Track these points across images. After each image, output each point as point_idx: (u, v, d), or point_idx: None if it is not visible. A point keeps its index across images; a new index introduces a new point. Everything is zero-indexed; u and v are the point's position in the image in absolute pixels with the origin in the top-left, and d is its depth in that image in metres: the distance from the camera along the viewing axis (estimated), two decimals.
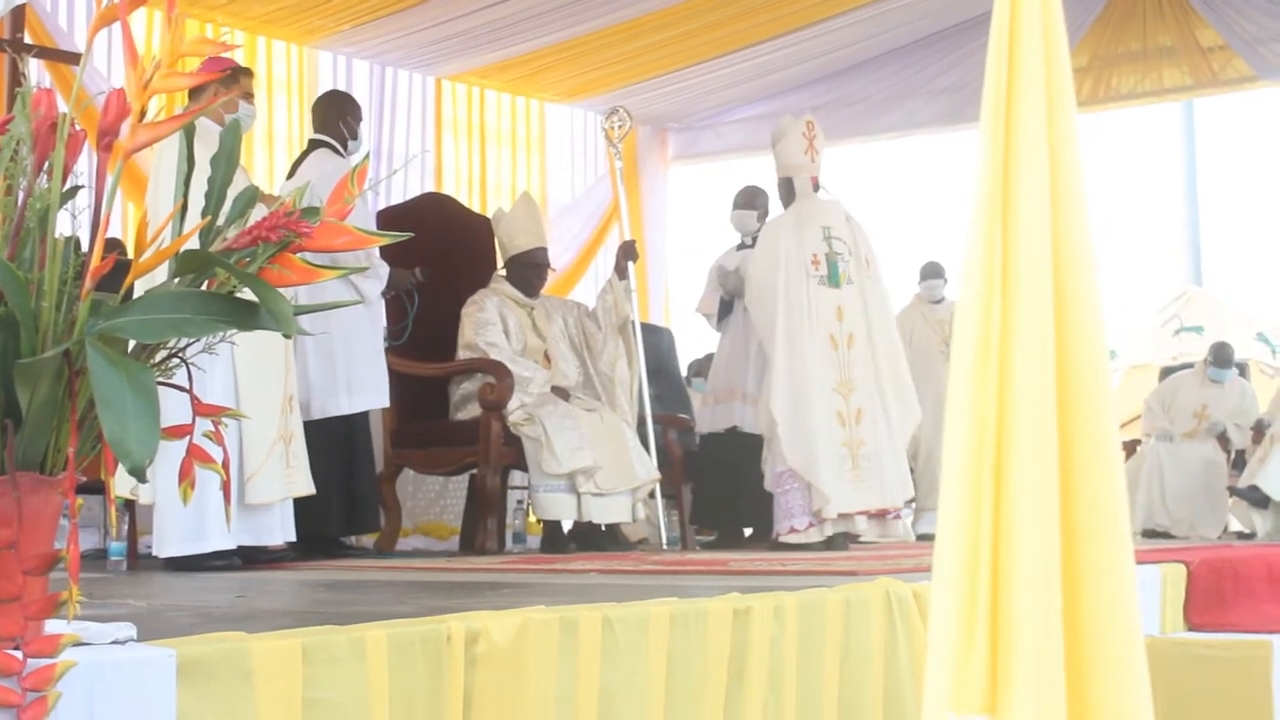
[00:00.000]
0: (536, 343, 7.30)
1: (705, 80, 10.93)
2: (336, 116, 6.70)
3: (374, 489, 6.77)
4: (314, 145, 6.73)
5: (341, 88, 9.59)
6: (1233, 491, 9.85)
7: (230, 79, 5.48)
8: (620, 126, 8.11)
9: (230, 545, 5.27)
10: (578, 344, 7.57)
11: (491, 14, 9.19)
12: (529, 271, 7.42)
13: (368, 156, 2.26)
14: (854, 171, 13.29)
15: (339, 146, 6.60)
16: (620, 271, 7.62)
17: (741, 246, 8.02)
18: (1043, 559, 1.22)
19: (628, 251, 7.69)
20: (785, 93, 11.40)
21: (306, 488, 5.65)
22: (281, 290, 1.84)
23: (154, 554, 5.35)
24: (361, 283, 6.27)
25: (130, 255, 1.87)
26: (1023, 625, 1.21)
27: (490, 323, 7.17)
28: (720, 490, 7.64)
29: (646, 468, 7.14)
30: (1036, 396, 1.25)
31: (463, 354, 7.17)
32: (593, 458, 6.83)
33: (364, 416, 6.63)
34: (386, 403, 6.68)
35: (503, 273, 7.48)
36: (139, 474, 1.61)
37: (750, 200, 8.06)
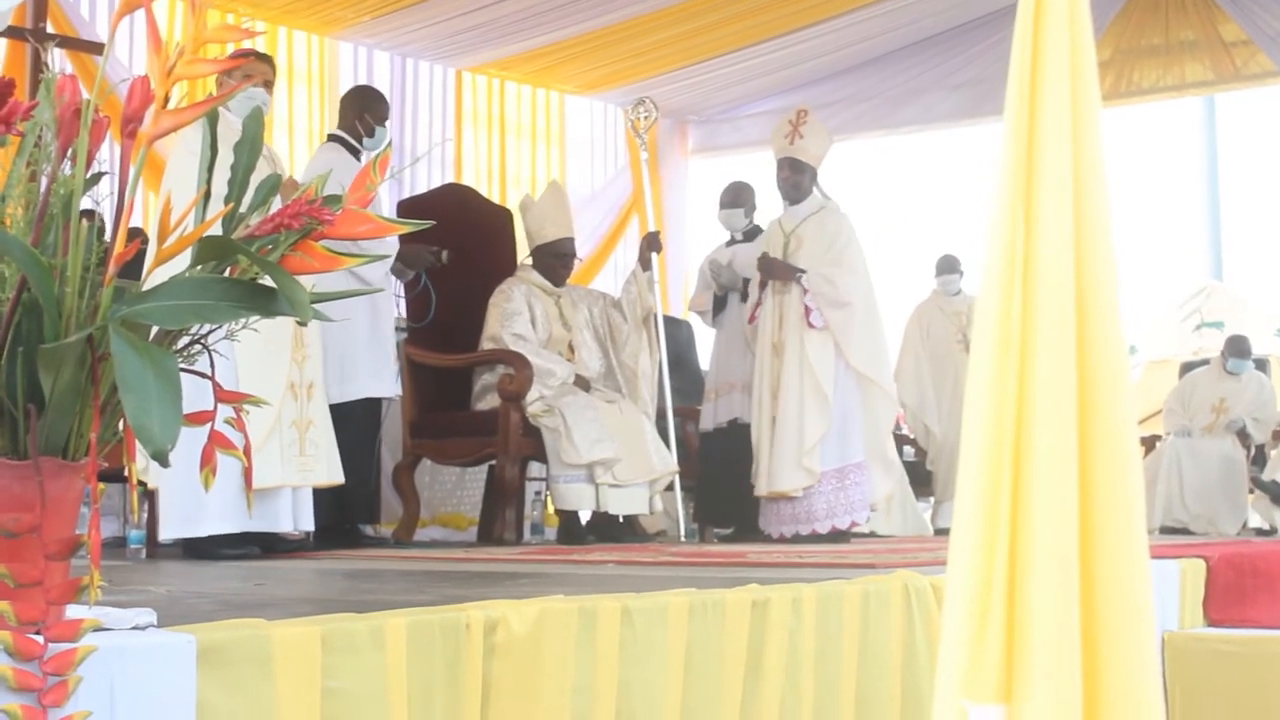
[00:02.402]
0: (562, 333, 7.30)
1: (725, 73, 10.93)
2: (354, 113, 6.71)
3: (374, 478, 6.75)
4: (329, 139, 6.77)
5: (362, 79, 9.62)
6: (1256, 485, 9.83)
7: (246, 57, 5.49)
8: (646, 117, 8.09)
9: (232, 529, 5.23)
10: (602, 334, 7.57)
11: (512, 6, 9.20)
12: (555, 261, 7.41)
13: (389, 146, 2.27)
14: (872, 166, 13.29)
15: (353, 142, 6.60)
16: (644, 263, 7.61)
17: (732, 242, 8.04)
18: (1060, 549, 1.22)
19: (651, 243, 7.68)
20: (804, 86, 11.38)
21: (329, 477, 5.62)
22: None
23: (159, 538, 5.39)
24: (362, 269, 6.24)
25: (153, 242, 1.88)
26: (1039, 615, 1.21)
27: (517, 313, 7.16)
28: (729, 485, 7.64)
29: (664, 460, 7.14)
30: (1056, 390, 1.25)
31: (486, 345, 7.17)
32: (613, 449, 6.83)
33: (371, 406, 6.59)
34: (387, 393, 6.64)
35: (529, 261, 7.47)
36: (162, 458, 1.62)
37: (736, 198, 8.10)
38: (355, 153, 6.58)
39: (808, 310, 7.20)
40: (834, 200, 7.52)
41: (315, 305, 1.88)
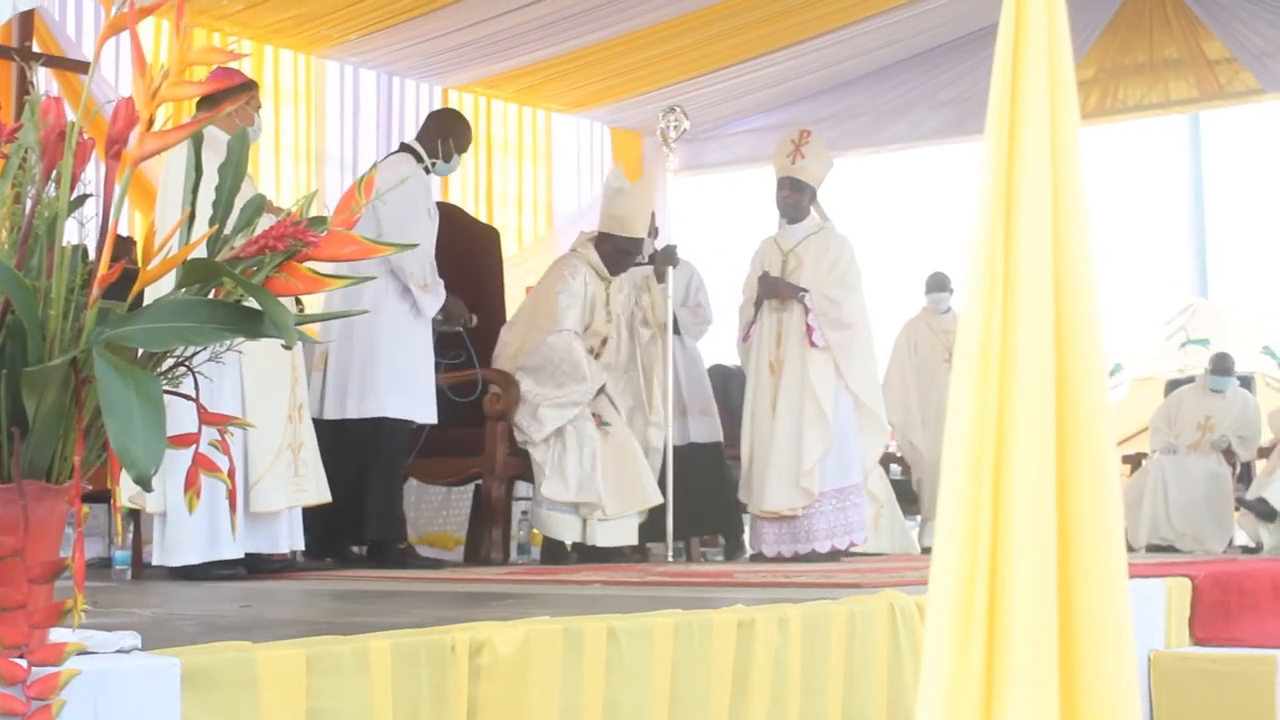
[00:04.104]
0: (602, 324, 7.17)
1: (710, 92, 10.94)
2: (438, 133, 6.70)
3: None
4: (401, 148, 6.78)
5: (349, 98, 9.64)
6: (1241, 503, 9.83)
7: (245, 88, 5.49)
8: (676, 126, 8.00)
9: (239, 554, 5.26)
10: (633, 318, 7.51)
11: (498, 24, 9.21)
12: (621, 256, 7.25)
13: (375, 166, 2.26)
14: (859, 183, 13.30)
15: (424, 156, 6.59)
16: (659, 275, 7.56)
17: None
18: (1039, 573, 1.23)
19: (669, 257, 7.64)
20: (790, 104, 11.42)
21: (319, 496, 5.62)
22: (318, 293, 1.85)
23: (158, 563, 5.33)
24: (421, 296, 6.30)
25: (139, 260, 1.88)
26: (1018, 636, 1.21)
27: (569, 307, 7.00)
28: (705, 501, 7.65)
29: (655, 491, 7.06)
30: (1036, 409, 1.25)
31: (535, 334, 7.04)
32: (599, 494, 6.76)
33: (398, 427, 6.54)
34: (419, 416, 6.46)
35: (591, 238, 7.33)
36: (145, 483, 1.61)
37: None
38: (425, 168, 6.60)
39: (810, 330, 7.20)
40: (832, 221, 7.54)
41: (322, 323, 1.87)
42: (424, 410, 6.46)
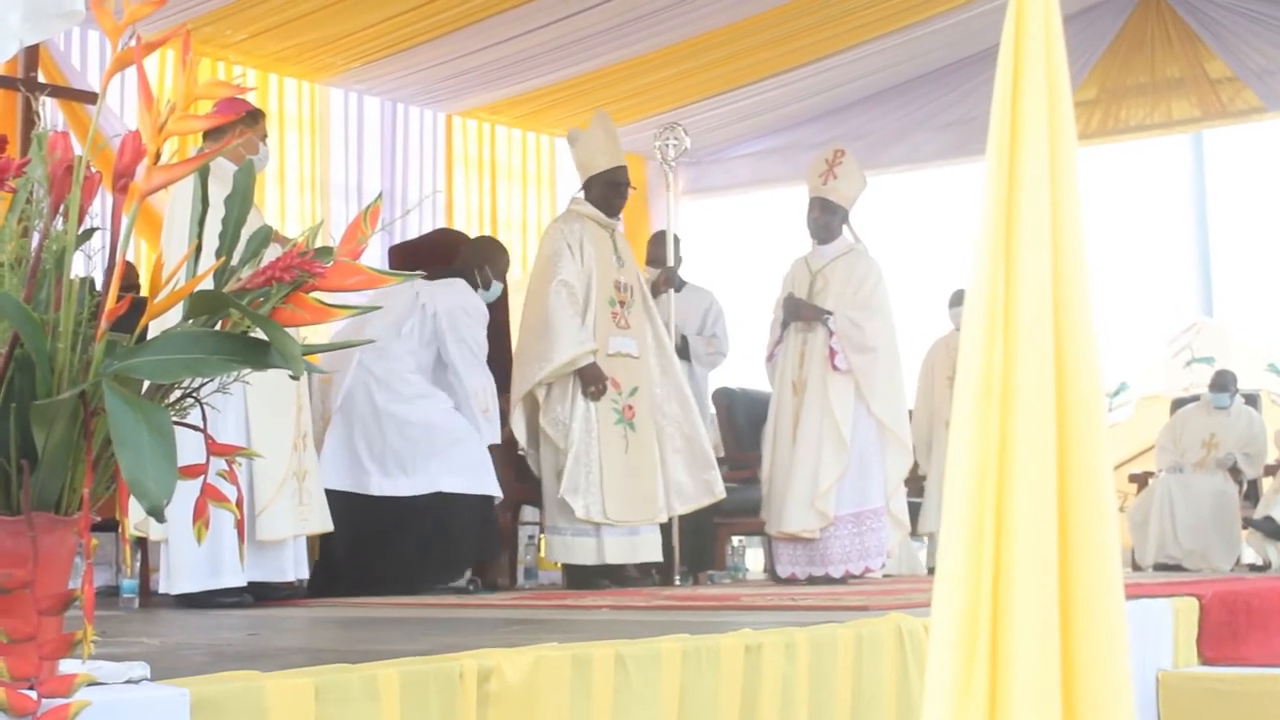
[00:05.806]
0: (611, 270, 7.03)
1: (713, 115, 10.97)
2: (476, 260, 6.86)
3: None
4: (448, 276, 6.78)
5: (353, 125, 9.67)
6: (1248, 523, 9.81)
7: (251, 119, 5.51)
8: (675, 145, 7.96)
9: (242, 582, 5.27)
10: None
11: (501, 51, 9.24)
12: (609, 191, 7.14)
13: (380, 196, 2.27)
14: (861, 205, 13.30)
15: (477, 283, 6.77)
16: (654, 292, 7.52)
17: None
18: (1040, 598, 1.23)
19: (669, 278, 7.62)
20: (793, 127, 11.44)
21: (322, 525, 5.64)
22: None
23: (162, 590, 5.35)
24: (482, 422, 6.48)
25: (145, 290, 1.89)
26: (1020, 665, 1.22)
27: (558, 254, 6.89)
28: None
29: (662, 509, 7.01)
30: (1037, 434, 1.26)
31: (528, 309, 7.00)
32: (604, 508, 6.73)
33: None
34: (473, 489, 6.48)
35: (581, 195, 7.24)
36: (157, 514, 1.62)
37: (654, 257, 8.13)
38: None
39: (833, 353, 7.16)
40: (864, 243, 7.51)
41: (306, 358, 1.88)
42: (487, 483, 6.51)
